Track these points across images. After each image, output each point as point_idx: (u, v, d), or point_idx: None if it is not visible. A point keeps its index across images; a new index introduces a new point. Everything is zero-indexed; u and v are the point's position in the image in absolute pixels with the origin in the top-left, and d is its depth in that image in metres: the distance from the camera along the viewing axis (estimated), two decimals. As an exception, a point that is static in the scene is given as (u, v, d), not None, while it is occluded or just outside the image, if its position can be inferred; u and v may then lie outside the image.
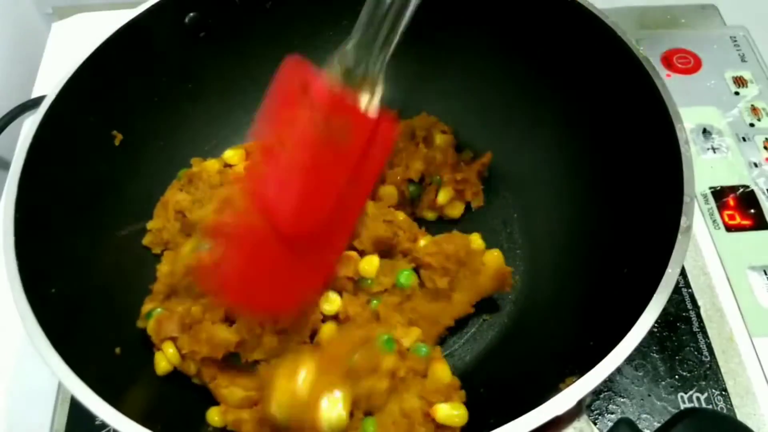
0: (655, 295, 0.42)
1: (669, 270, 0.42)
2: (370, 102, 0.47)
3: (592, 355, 0.41)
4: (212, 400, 0.53)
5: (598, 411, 0.56)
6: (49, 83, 0.78)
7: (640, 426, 0.43)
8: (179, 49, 0.63)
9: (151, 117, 0.63)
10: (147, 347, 0.54)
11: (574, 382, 0.40)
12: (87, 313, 0.51)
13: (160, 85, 0.63)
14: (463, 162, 0.66)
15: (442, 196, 0.63)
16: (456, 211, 0.65)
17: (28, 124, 0.54)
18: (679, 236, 0.44)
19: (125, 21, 0.58)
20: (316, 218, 0.48)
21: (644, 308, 0.41)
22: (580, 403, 0.39)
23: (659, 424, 0.54)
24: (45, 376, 0.58)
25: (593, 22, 0.56)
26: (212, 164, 0.64)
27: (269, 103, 0.48)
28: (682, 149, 0.47)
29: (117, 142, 0.59)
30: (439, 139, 0.65)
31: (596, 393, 0.56)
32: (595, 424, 0.54)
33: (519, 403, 0.43)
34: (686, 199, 0.45)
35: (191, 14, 0.62)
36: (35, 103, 0.78)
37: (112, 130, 0.59)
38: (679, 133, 0.48)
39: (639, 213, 0.51)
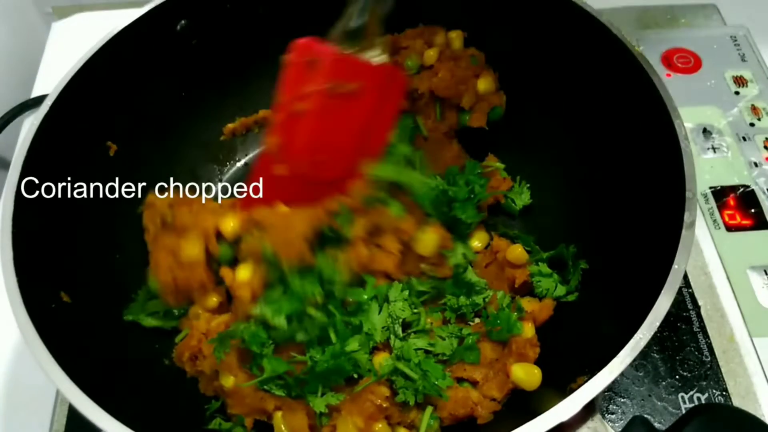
0: (662, 292, 0.42)
1: (675, 266, 0.43)
2: (374, 56, 0.53)
3: (601, 354, 0.41)
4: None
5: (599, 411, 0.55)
6: (49, 82, 0.78)
7: (644, 426, 0.43)
8: (171, 57, 0.62)
9: (146, 125, 0.63)
10: (150, 356, 0.54)
11: (585, 382, 0.40)
12: (86, 324, 0.51)
13: (155, 94, 0.62)
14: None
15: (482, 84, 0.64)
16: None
17: (28, 124, 0.54)
18: (684, 232, 0.44)
19: (118, 29, 0.57)
20: (334, 163, 0.54)
21: (652, 305, 0.41)
22: (593, 402, 0.39)
23: (660, 425, 0.54)
24: (44, 377, 0.58)
25: (586, 19, 0.56)
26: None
27: (282, 82, 0.54)
28: (682, 144, 0.47)
29: (111, 153, 0.59)
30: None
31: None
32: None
33: (533, 403, 0.43)
34: (688, 194, 0.45)
35: (182, 22, 0.62)
36: (35, 102, 0.78)
37: (108, 138, 0.59)
38: (678, 128, 0.48)
39: (642, 212, 0.51)
